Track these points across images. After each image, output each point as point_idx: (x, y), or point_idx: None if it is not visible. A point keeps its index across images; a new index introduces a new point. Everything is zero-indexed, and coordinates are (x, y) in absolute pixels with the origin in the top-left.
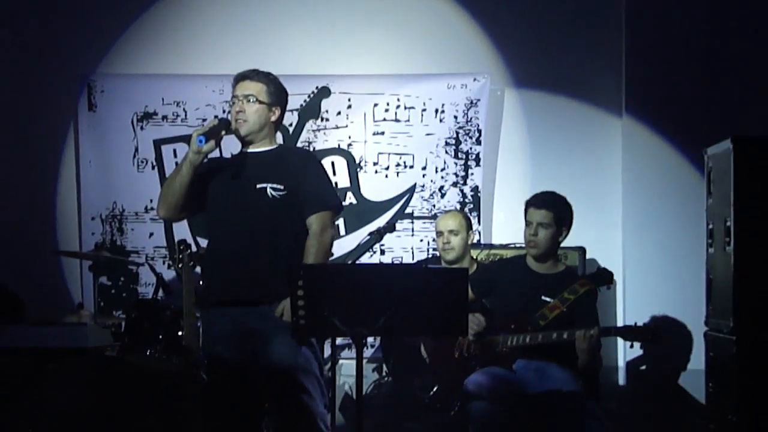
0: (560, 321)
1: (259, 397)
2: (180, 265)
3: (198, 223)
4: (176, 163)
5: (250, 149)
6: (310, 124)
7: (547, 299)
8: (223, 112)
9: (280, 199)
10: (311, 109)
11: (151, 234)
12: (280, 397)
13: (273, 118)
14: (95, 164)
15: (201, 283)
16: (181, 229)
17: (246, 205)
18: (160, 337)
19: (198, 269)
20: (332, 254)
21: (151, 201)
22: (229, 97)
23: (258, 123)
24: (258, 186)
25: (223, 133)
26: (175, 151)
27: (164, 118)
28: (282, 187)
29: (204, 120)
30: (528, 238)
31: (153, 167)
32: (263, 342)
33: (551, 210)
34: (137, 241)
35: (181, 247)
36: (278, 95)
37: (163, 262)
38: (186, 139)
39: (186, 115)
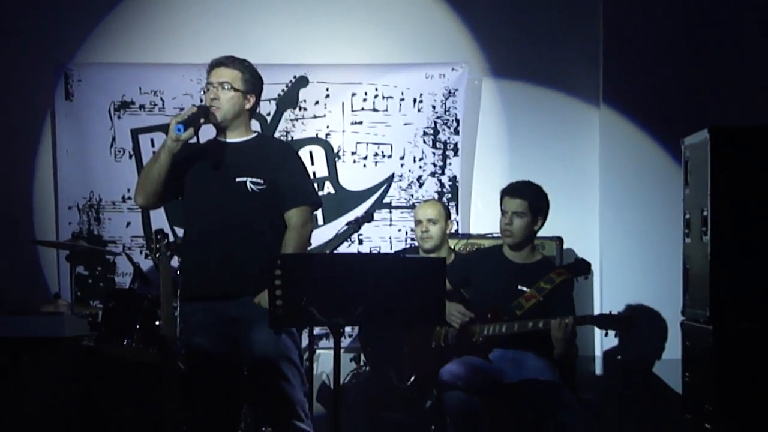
0: (536, 310)
1: (238, 386)
2: (157, 255)
3: (173, 211)
4: (153, 152)
5: (228, 139)
6: (288, 114)
7: (524, 289)
8: (201, 101)
9: (259, 193)
10: (289, 99)
11: (129, 223)
12: (260, 385)
13: (248, 106)
14: (72, 153)
15: (178, 273)
16: (158, 219)
17: (225, 198)
18: (137, 327)
19: (175, 259)
20: (311, 244)
21: (129, 191)
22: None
23: (232, 110)
24: (237, 179)
25: (202, 120)
26: (152, 140)
27: (141, 107)
28: (261, 181)
29: (181, 109)
30: (503, 227)
31: (130, 156)
32: (243, 330)
33: (526, 199)
34: (114, 230)
35: (158, 237)
36: (253, 83)
37: (141, 252)
38: (163, 128)
39: (163, 104)
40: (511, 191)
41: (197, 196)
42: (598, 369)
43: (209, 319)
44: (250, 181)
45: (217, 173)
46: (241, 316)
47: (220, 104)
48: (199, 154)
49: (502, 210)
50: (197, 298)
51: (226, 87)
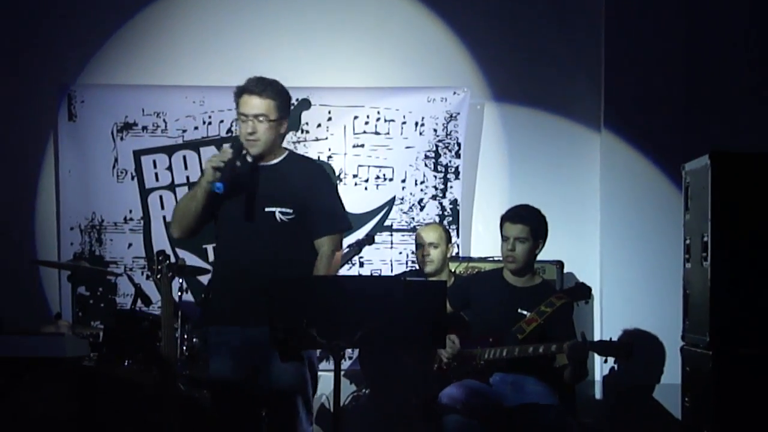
0: (537, 334)
1: (255, 409)
2: (159, 276)
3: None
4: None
5: (260, 162)
6: (290, 136)
7: (524, 312)
8: (203, 123)
9: (288, 223)
10: (291, 121)
11: (130, 244)
12: (271, 413)
13: (282, 131)
14: (75, 174)
15: (203, 297)
16: (160, 240)
17: (254, 228)
18: (138, 348)
19: (177, 280)
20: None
21: (131, 212)
22: (208, 109)
23: (269, 141)
24: (266, 209)
25: (238, 163)
26: (154, 161)
27: (144, 128)
28: (291, 211)
29: (184, 131)
30: (506, 254)
31: (132, 178)
32: (266, 358)
33: (527, 224)
34: (116, 251)
35: (160, 258)
36: (285, 106)
37: (142, 273)
38: (166, 149)
39: (166, 126)
40: (512, 217)
41: (228, 224)
42: (598, 393)
43: (234, 343)
44: (279, 212)
45: (247, 202)
46: (265, 343)
47: (258, 137)
48: (232, 181)
49: (503, 236)
50: (223, 322)
51: (261, 119)
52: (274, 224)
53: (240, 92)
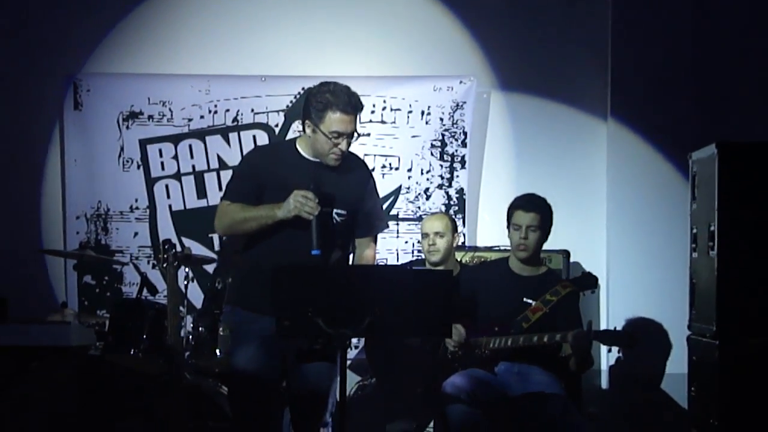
0: (543, 323)
1: (277, 396)
2: (164, 265)
3: (181, 222)
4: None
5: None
6: (296, 125)
7: (530, 301)
8: (209, 112)
9: (341, 222)
10: (298, 110)
11: (136, 233)
12: (302, 411)
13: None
14: (80, 163)
15: (217, 284)
16: (166, 230)
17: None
18: (144, 337)
19: (183, 269)
20: None
21: (137, 200)
22: (214, 98)
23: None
24: (323, 208)
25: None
26: (160, 150)
27: (150, 117)
28: (345, 213)
29: (189, 120)
30: (518, 242)
31: (138, 167)
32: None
33: (539, 212)
34: (122, 240)
35: (166, 247)
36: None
37: (148, 262)
38: (171, 138)
39: (172, 115)
40: (524, 205)
41: (282, 224)
42: (604, 383)
43: (264, 332)
44: (336, 212)
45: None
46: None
47: (342, 155)
48: (288, 173)
49: (514, 224)
50: (257, 309)
51: (349, 139)
52: (329, 223)
53: (329, 108)
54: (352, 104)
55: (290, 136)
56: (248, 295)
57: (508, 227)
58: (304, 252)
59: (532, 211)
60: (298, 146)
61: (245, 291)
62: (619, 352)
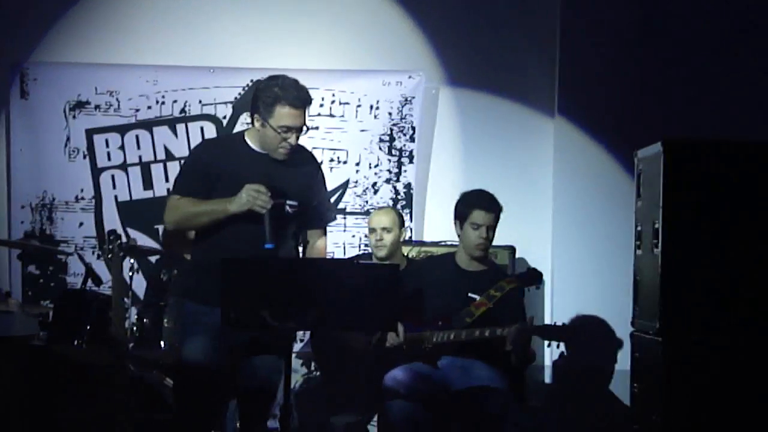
0: (487, 318)
1: (224, 387)
2: (110, 256)
3: (127, 212)
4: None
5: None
6: (244, 117)
7: (474, 296)
8: (157, 103)
9: (292, 214)
10: (246, 102)
11: (81, 224)
12: (252, 404)
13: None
14: (26, 152)
15: (162, 275)
16: (111, 220)
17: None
18: (88, 327)
19: (128, 260)
20: None
21: (82, 191)
22: (162, 89)
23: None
24: (275, 202)
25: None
26: (107, 140)
27: (97, 107)
28: (297, 204)
29: (137, 110)
30: (478, 242)
31: (84, 157)
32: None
33: (497, 212)
34: (67, 230)
35: (111, 238)
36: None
37: (93, 252)
38: (119, 129)
39: (119, 105)
40: (485, 205)
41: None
42: (548, 378)
43: (215, 325)
44: (288, 204)
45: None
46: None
47: (291, 149)
48: (238, 166)
49: (472, 223)
50: (208, 302)
51: (297, 133)
52: (281, 214)
53: (278, 102)
54: (301, 98)
55: (238, 127)
56: (199, 288)
57: (461, 224)
58: (257, 246)
59: (492, 211)
60: (247, 139)
61: (196, 284)
62: (559, 347)
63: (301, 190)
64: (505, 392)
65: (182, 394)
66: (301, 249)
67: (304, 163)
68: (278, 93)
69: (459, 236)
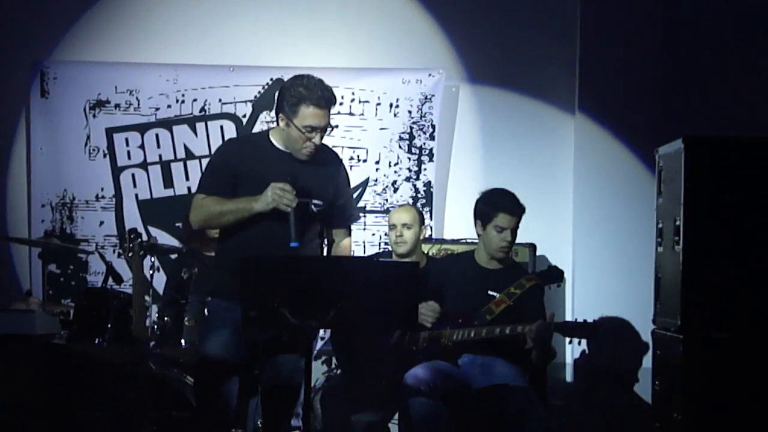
0: (507, 315)
1: (246, 382)
2: (130, 254)
3: (148, 211)
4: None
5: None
6: (264, 116)
7: (494, 294)
8: (177, 101)
9: (317, 213)
10: (265, 101)
11: (102, 222)
12: (276, 402)
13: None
14: (46, 151)
15: (183, 274)
16: (132, 219)
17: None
18: (109, 326)
19: (148, 258)
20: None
21: (102, 189)
22: (182, 88)
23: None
24: (300, 199)
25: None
26: (126, 139)
27: (117, 106)
28: (322, 203)
29: (156, 109)
30: (503, 244)
31: (105, 155)
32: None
33: (520, 215)
34: (87, 229)
35: (132, 236)
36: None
37: (113, 251)
38: (139, 128)
39: (139, 104)
40: (509, 208)
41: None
42: (569, 376)
43: (237, 321)
44: (313, 203)
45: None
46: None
47: (315, 149)
48: (263, 165)
49: (497, 226)
50: (231, 297)
51: (322, 133)
52: (307, 213)
53: (302, 102)
54: (325, 98)
55: (258, 126)
56: (224, 285)
57: (483, 224)
58: (282, 244)
59: (516, 215)
60: (271, 138)
61: (220, 281)
62: (580, 344)
63: (326, 189)
64: (527, 390)
65: (202, 390)
66: (325, 248)
67: (329, 162)
68: (303, 93)
69: (479, 235)
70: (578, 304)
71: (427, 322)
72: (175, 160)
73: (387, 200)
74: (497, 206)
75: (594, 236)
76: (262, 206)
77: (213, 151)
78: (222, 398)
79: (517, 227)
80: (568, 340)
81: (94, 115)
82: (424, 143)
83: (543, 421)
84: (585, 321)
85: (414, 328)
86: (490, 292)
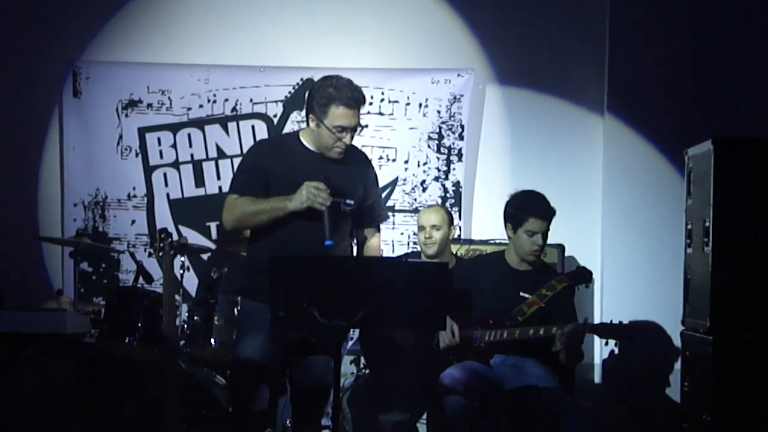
0: (538, 317)
1: (277, 383)
2: (161, 254)
3: (179, 210)
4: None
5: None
6: (294, 116)
7: (526, 295)
8: (208, 101)
9: (348, 212)
10: (296, 101)
11: (133, 221)
12: (306, 405)
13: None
14: (79, 151)
15: (213, 273)
16: (163, 218)
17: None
18: (140, 325)
19: (179, 258)
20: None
21: (134, 188)
22: (213, 88)
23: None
24: (334, 199)
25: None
26: (159, 139)
27: (149, 106)
28: (353, 203)
29: (188, 109)
30: (534, 249)
31: (137, 155)
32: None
33: (551, 218)
34: (119, 228)
35: (162, 236)
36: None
37: (144, 250)
38: (171, 127)
39: (171, 104)
40: (541, 213)
41: (292, 214)
42: (597, 377)
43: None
44: (344, 202)
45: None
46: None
47: (345, 149)
48: (295, 165)
49: (528, 230)
50: (261, 299)
51: (352, 133)
52: (338, 212)
53: (332, 102)
54: (355, 98)
55: (288, 126)
56: (255, 286)
57: (513, 228)
58: (316, 243)
59: (547, 220)
60: (302, 139)
61: (252, 282)
62: (615, 345)
63: (356, 189)
64: (558, 390)
65: (237, 391)
66: (355, 247)
67: (358, 162)
68: (332, 93)
69: (510, 238)
70: (607, 304)
71: (441, 343)
72: (207, 159)
73: (416, 200)
74: (528, 210)
75: (623, 237)
76: (296, 205)
77: (244, 151)
78: (258, 402)
79: (548, 230)
80: (604, 341)
81: (126, 115)
82: (453, 143)
83: (578, 419)
84: (621, 322)
85: (443, 328)
86: (521, 294)
